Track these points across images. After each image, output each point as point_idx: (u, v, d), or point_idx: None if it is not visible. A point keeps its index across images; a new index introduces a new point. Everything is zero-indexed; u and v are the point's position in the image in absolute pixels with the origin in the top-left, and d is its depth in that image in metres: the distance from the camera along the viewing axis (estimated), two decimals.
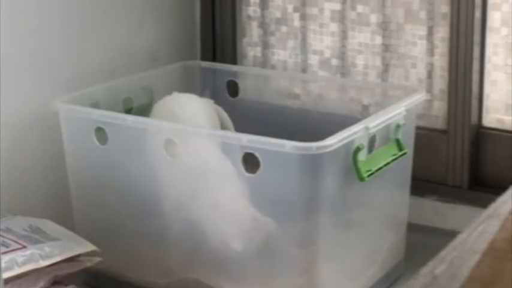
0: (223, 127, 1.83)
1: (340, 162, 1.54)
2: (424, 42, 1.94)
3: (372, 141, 1.60)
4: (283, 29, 2.13)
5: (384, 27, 1.99)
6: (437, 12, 1.92)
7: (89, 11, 1.91)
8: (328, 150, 1.48)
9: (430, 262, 0.91)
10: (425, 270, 0.89)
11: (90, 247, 1.60)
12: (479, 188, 1.91)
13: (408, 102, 1.70)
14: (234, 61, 2.17)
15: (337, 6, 2.04)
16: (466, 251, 0.93)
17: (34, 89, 1.81)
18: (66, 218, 1.74)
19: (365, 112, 1.87)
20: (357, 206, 1.63)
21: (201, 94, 1.92)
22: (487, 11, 1.86)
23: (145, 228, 1.69)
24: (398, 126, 1.65)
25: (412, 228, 1.86)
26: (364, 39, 2.02)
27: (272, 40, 2.15)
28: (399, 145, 1.66)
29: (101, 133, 1.69)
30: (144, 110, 1.84)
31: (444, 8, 1.90)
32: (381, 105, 1.80)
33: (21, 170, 1.79)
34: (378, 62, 2.01)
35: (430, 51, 1.94)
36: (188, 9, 2.17)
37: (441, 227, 1.89)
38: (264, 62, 2.17)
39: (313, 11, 2.07)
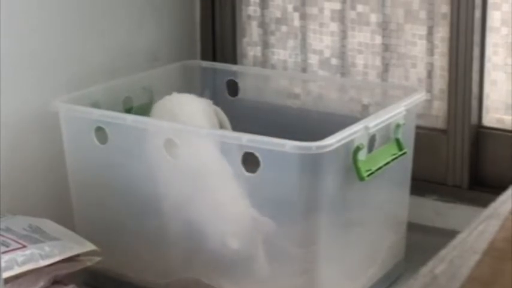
0: (221, 127, 1.83)
1: (340, 162, 1.54)
2: (424, 42, 1.94)
3: (371, 140, 1.60)
4: (283, 28, 2.13)
5: (384, 27, 1.99)
6: (437, 12, 1.91)
7: (89, 11, 1.91)
8: (328, 149, 1.48)
9: (430, 262, 0.91)
10: (425, 270, 0.89)
11: (90, 247, 1.60)
12: (479, 187, 1.91)
13: (408, 102, 1.70)
14: (234, 61, 2.17)
15: (337, 6, 2.04)
16: (466, 251, 0.93)
17: (34, 89, 1.81)
18: (66, 218, 1.74)
19: (365, 112, 1.87)
20: (356, 205, 1.63)
21: (201, 94, 1.92)
22: (487, 10, 1.86)
23: (145, 228, 1.69)
24: (398, 126, 1.65)
25: (412, 228, 1.85)
26: (364, 39, 2.02)
27: (272, 40, 2.15)
28: (399, 145, 1.66)
29: (101, 133, 1.69)
30: (144, 110, 1.84)
31: (444, 8, 1.90)
32: (381, 105, 1.80)
33: (21, 170, 1.79)
34: (377, 61, 2.01)
35: (430, 51, 1.94)
36: (188, 9, 2.17)
37: (441, 227, 1.88)
38: (264, 62, 2.17)
39: (313, 10, 2.07)
